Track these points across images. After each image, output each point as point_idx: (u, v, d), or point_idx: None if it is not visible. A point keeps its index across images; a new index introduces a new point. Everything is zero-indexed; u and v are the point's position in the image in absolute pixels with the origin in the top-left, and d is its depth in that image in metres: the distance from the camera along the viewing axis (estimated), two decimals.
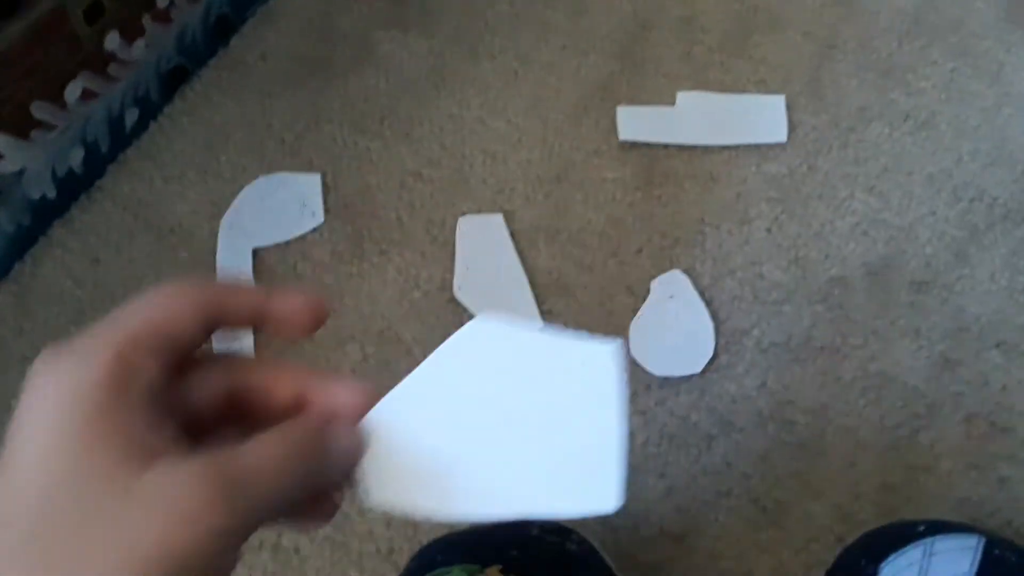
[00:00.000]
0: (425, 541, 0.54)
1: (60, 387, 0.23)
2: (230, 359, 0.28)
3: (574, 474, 0.27)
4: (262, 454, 0.24)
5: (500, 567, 0.42)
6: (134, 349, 0.24)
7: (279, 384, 0.27)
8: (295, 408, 0.27)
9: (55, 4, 0.66)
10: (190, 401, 0.27)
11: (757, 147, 0.74)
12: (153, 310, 0.26)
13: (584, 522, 0.57)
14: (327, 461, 0.26)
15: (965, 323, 0.65)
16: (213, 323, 0.27)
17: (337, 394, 0.27)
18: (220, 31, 0.83)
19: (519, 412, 0.28)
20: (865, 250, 0.69)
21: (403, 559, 0.57)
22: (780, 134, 0.74)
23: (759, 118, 0.76)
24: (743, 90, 0.78)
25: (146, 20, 0.74)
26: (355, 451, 0.27)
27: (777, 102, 0.76)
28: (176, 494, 0.22)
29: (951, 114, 0.75)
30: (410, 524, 0.59)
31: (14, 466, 0.23)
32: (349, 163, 0.76)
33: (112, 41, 0.72)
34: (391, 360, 0.65)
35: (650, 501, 0.59)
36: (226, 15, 0.83)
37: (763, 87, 0.78)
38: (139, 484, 0.22)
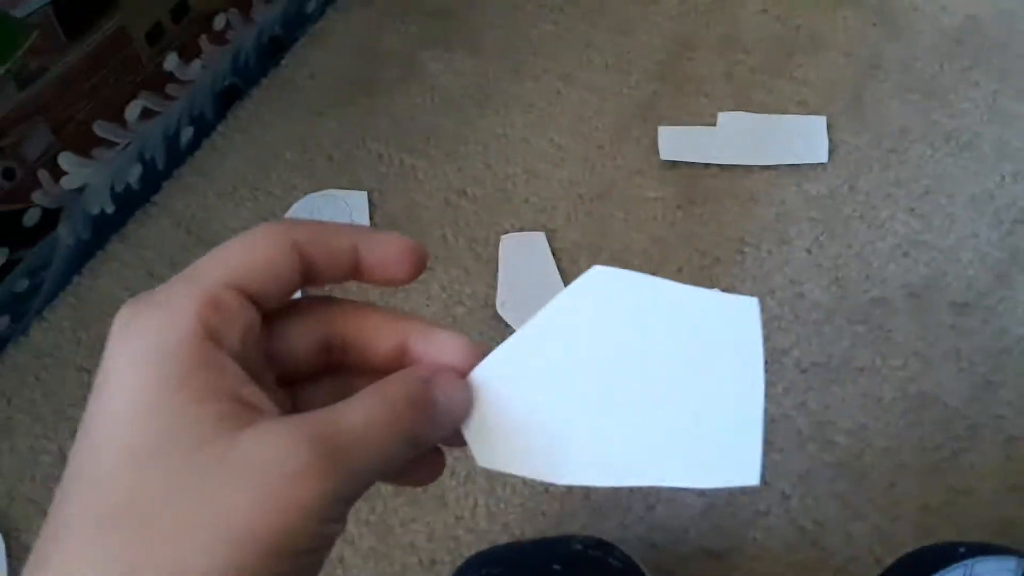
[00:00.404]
0: (467, 554, 0.55)
1: (147, 342, 0.22)
2: (326, 305, 0.26)
3: (710, 440, 0.25)
4: (366, 414, 0.22)
5: None
6: (226, 298, 0.23)
7: (380, 334, 0.25)
8: (396, 360, 0.25)
9: (117, 26, 0.68)
10: (284, 352, 0.25)
11: (798, 167, 0.75)
12: (244, 254, 0.24)
13: (622, 539, 0.58)
14: (433, 419, 0.24)
15: (1007, 345, 0.65)
16: (308, 266, 0.24)
17: (443, 346, 0.25)
18: (272, 51, 0.85)
19: (646, 368, 0.25)
20: (906, 271, 0.69)
21: (445, 571, 0.58)
22: (821, 155, 0.75)
23: (800, 138, 0.76)
24: (784, 110, 0.79)
25: (203, 41, 0.77)
26: (462, 407, 0.25)
27: (818, 123, 0.77)
28: (276, 460, 0.20)
29: (993, 135, 0.75)
30: (451, 537, 0.60)
31: (99, 428, 0.21)
32: (395, 181, 0.78)
33: (171, 62, 0.74)
34: None
35: (689, 519, 0.60)
36: (278, 36, 0.85)
37: (804, 107, 0.79)
38: (235, 450, 0.20)
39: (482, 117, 0.81)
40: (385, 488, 0.62)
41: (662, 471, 0.25)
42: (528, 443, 0.25)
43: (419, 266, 0.25)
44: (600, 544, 0.48)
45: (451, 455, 0.64)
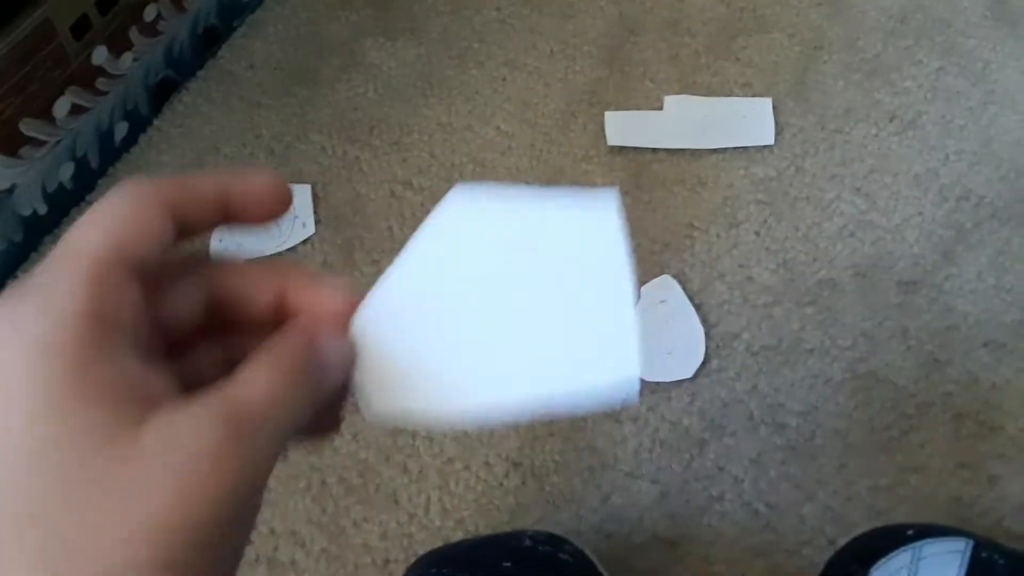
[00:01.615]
0: (421, 552, 0.54)
1: (30, 336, 0.20)
2: (203, 263, 0.25)
3: (590, 353, 0.24)
4: (265, 383, 0.21)
5: None
6: (107, 275, 0.21)
7: (258, 288, 0.25)
8: (276, 313, 0.25)
9: (41, 20, 0.66)
10: (166, 318, 0.23)
11: (745, 150, 0.75)
12: (117, 220, 0.22)
13: (577, 530, 0.58)
14: (324, 376, 0.23)
15: (954, 322, 0.66)
16: (181, 223, 0.23)
17: (322, 296, 0.24)
18: (208, 42, 0.83)
19: (520, 289, 0.24)
20: (852, 251, 0.69)
21: (399, 569, 0.58)
22: (767, 137, 0.75)
23: (746, 121, 0.76)
24: (730, 93, 0.78)
25: (133, 33, 0.74)
26: (348, 360, 0.24)
27: (764, 105, 0.77)
28: (185, 448, 0.19)
29: (937, 114, 0.76)
30: (404, 535, 0.59)
31: None
32: (339, 173, 0.76)
33: (100, 55, 0.72)
34: None
35: (643, 507, 0.59)
36: (214, 26, 0.83)
37: (750, 90, 0.78)
38: (138, 447, 0.19)
39: (426, 106, 0.80)
40: (336, 489, 0.61)
41: (548, 396, 0.24)
42: (414, 388, 0.24)
43: (286, 199, 0.25)
44: (551, 539, 0.48)
45: (402, 453, 0.63)
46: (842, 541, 0.55)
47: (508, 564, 0.44)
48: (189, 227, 0.23)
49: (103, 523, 0.19)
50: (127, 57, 0.74)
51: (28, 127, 0.68)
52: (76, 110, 0.71)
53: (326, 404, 0.24)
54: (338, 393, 0.24)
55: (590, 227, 0.24)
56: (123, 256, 0.21)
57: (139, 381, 0.20)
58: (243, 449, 0.20)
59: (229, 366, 0.22)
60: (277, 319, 0.24)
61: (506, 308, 0.24)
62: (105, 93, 0.74)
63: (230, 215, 0.24)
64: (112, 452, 0.19)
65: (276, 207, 0.25)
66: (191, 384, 0.22)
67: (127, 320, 0.21)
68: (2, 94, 0.65)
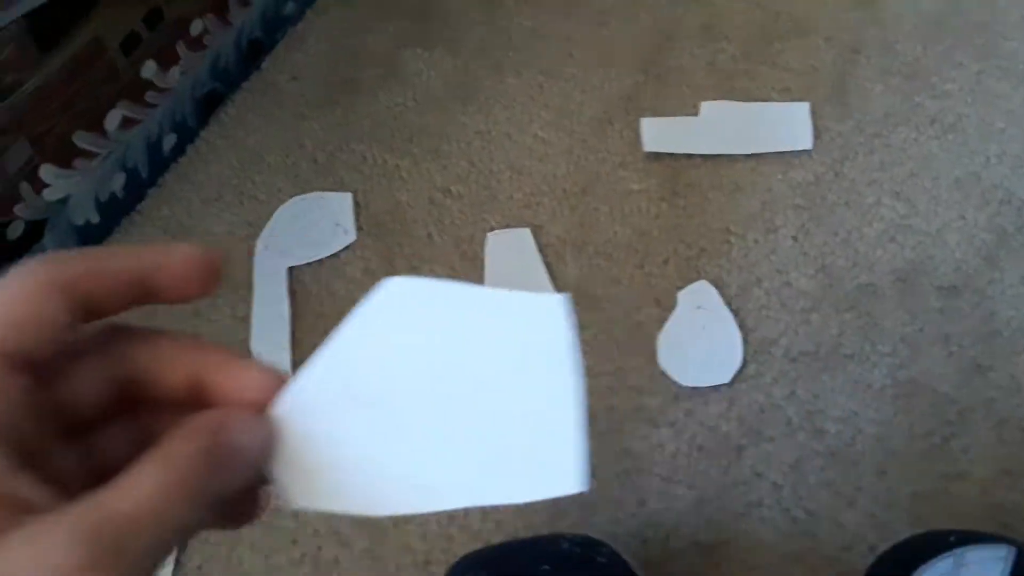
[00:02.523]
0: (460, 553, 0.55)
1: None
2: (112, 337, 0.23)
3: (528, 450, 0.24)
4: (146, 488, 0.20)
5: None
6: None
7: (171, 367, 0.23)
8: (190, 395, 0.23)
9: (92, 36, 0.68)
10: (69, 398, 0.22)
11: (782, 155, 0.75)
12: None
13: (613, 534, 0.58)
14: (231, 468, 0.21)
15: (996, 327, 0.65)
16: (86, 302, 0.22)
17: (240, 379, 0.23)
18: (252, 54, 0.85)
19: (454, 381, 0.24)
20: (893, 256, 0.69)
21: (439, 571, 0.58)
22: (805, 141, 0.75)
23: (784, 126, 0.76)
24: (767, 98, 0.78)
25: (180, 47, 0.77)
26: (264, 447, 0.23)
27: (802, 109, 0.76)
28: (44, 568, 0.18)
29: (978, 117, 0.75)
30: (445, 537, 0.60)
31: None
32: (379, 181, 0.77)
33: (148, 69, 0.74)
34: None
35: (680, 512, 0.60)
36: (258, 39, 0.85)
37: (787, 95, 0.78)
38: (3, 556, 0.18)
39: (464, 115, 0.81)
40: None
41: (483, 489, 0.24)
42: (339, 476, 0.23)
43: (212, 276, 0.23)
44: (588, 542, 0.48)
45: None
46: (882, 548, 0.55)
47: (546, 567, 0.45)
48: (98, 308, 0.22)
49: None
50: (175, 71, 0.77)
51: (81, 139, 0.70)
52: (127, 123, 0.74)
53: (236, 495, 0.22)
54: (252, 482, 0.23)
55: (535, 334, 0.24)
56: (1, 347, 0.20)
57: (7, 490, 0.19)
58: (108, 567, 0.18)
59: (144, 448, 0.21)
60: (192, 399, 0.23)
61: (440, 396, 0.24)
62: (154, 106, 0.76)
63: (149, 294, 0.23)
64: None
65: (199, 286, 0.23)
66: (107, 468, 0.22)
67: (1, 416, 0.20)
68: (56, 108, 0.67)
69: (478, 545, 0.58)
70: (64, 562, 0.18)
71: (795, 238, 0.70)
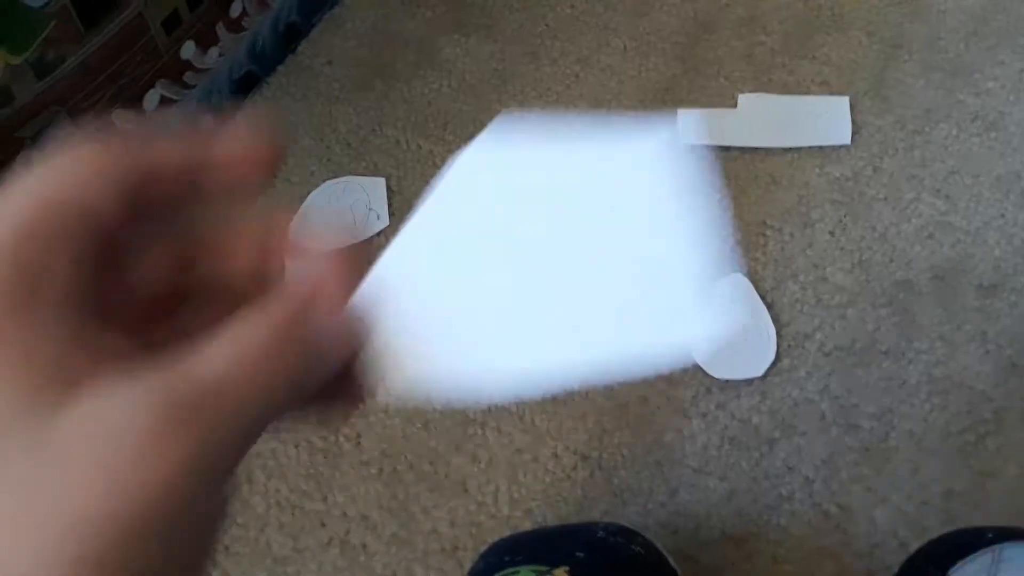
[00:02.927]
0: (490, 540, 0.55)
1: None
2: (174, 220, 0.21)
3: (650, 306, 0.20)
4: (228, 358, 0.18)
5: (567, 568, 0.43)
6: (30, 243, 0.18)
7: (239, 248, 0.21)
8: (257, 274, 0.21)
9: (135, 14, 0.68)
10: (131, 288, 0.20)
11: (820, 149, 0.74)
12: (50, 186, 0.19)
13: (644, 524, 0.58)
14: (316, 354, 0.19)
15: None
16: (138, 187, 0.20)
17: (319, 263, 0.20)
18: (289, 38, 0.85)
19: (576, 229, 0.20)
20: (931, 253, 0.68)
21: (467, 557, 0.59)
22: (844, 136, 0.74)
23: (822, 120, 0.75)
24: (806, 91, 0.78)
25: (220, 29, 0.77)
26: (353, 334, 0.20)
27: (841, 103, 0.76)
28: (114, 432, 0.16)
29: (1020, 115, 0.74)
30: (473, 523, 0.60)
31: None
32: (413, 167, 0.77)
33: (188, 50, 0.74)
34: None
35: (711, 504, 0.59)
36: (295, 22, 0.85)
37: (827, 88, 0.78)
38: (59, 428, 0.17)
39: (500, 102, 0.80)
40: (407, 475, 0.62)
41: (602, 359, 0.20)
42: (446, 360, 0.21)
43: (277, 155, 0.20)
44: (623, 531, 0.48)
45: (472, 442, 0.64)
46: (915, 545, 0.54)
47: (581, 554, 0.45)
48: (152, 189, 0.20)
49: (9, 527, 0.16)
50: (213, 52, 0.77)
51: (119, 118, 0.71)
52: (165, 102, 0.74)
53: (329, 380, 0.20)
54: (349, 367, 0.21)
55: (650, 160, 0.20)
56: (54, 222, 0.18)
57: (67, 356, 0.17)
58: (183, 437, 0.17)
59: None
60: (260, 284, 0.21)
61: (557, 259, 0.20)
62: (192, 86, 0.76)
63: (207, 180, 0.21)
64: (22, 437, 0.16)
65: (267, 166, 0.20)
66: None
67: (57, 292, 0.18)
68: (97, 86, 0.68)
69: (506, 532, 0.58)
70: (131, 431, 0.16)
71: (832, 233, 0.70)
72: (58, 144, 0.19)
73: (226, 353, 0.18)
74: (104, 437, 0.16)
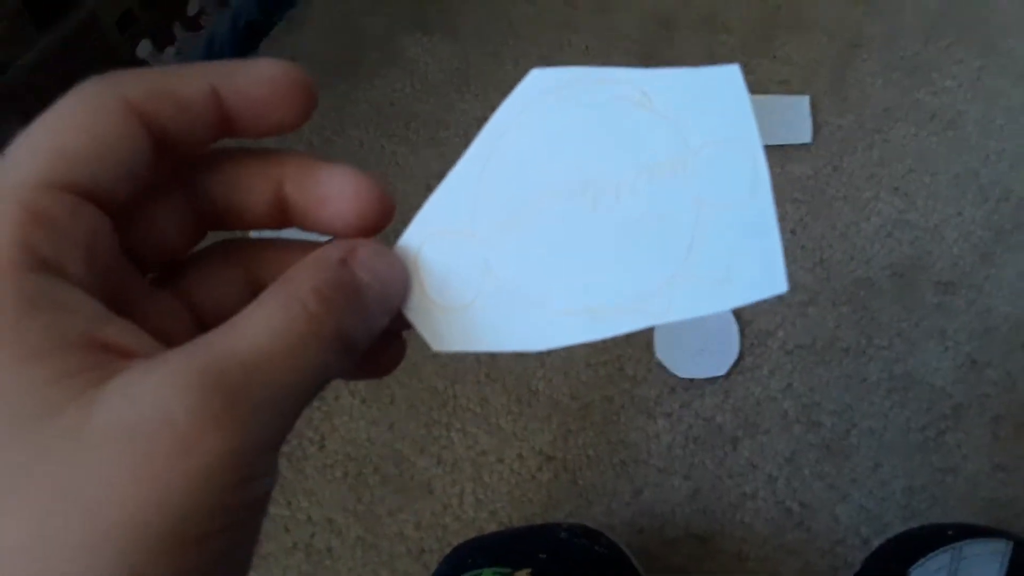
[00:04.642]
0: (455, 542, 0.55)
1: None
2: (199, 164, 0.19)
3: (718, 252, 0.20)
4: (271, 328, 0.16)
5: (530, 570, 0.43)
6: (51, 205, 0.16)
7: (253, 191, 0.19)
8: (275, 219, 0.20)
9: (87, 14, 0.67)
10: (153, 240, 0.19)
11: (781, 148, 0.74)
12: (66, 134, 0.17)
13: (609, 524, 0.58)
14: (364, 310, 0.18)
15: (993, 324, 0.65)
16: (157, 132, 0.18)
17: (350, 209, 0.19)
18: (249, 37, 0.84)
19: (619, 184, 0.20)
20: (890, 251, 0.69)
21: (433, 560, 0.58)
22: (805, 135, 0.74)
23: (783, 119, 0.76)
24: (767, 90, 0.78)
25: (176, 28, 0.76)
26: (398, 285, 0.19)
27: (801, 103, 0.76)
28: (154, 419, 0.15)
29: (977, 113, 0.75)
30: (439, 526, 0.60)
31: None
32: (376, 167, 0.77)
33: (144, 49, 0.73)
34: (419, 361, 0.66)
35: (675, 503, 0.59)
36: (255, 21, 0.84)
37: (787, 87, 0.78)
38: (94, 416, 0.15)
39: (462, 101, 0.80)
40: (371, 477, 0.62)
41: (663, 303, 0.19)
42: (491, 309, 0.20)
43: (306, 98, 0.19)
44: (586, 532, 0.48)
45: (437, 444, 0.64)
46: (876, 541, 0.55)
47: (543, 556, 0.45)
48: (170, 139, 0.18)
49: (44, 526, 0.14)
50: (170, 51, 0.76)
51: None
52: None
53: (369, 342, 0.19)
54: (391, 324, 0.19)
55: (708, 115, 0.20)
56: (71, 179, 0.17)
57: (99, 335, 0.16)
58: (229, 420, 0.15)
59: (253, 296, 0.18)
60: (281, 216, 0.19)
61: (602, 201, 0.20)
62: None
63: (228, 121, 0.19)
64: (54, 427, 0.15)
65: (291, 109, 0.18)
66: (208, 314, 0.19)
67: (79, 261, 0.16)
68: (49, 86, 0.66)
69: (472, 534, 0.58)
70: (174, 417, 0.15)
71: (793, 231, 0.70)
72: (67, 97, 0.18)
73: (269, 321, 0.16)
74: (145, 425, 0.15)
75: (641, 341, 0.65)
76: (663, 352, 0.64)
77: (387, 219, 0.20)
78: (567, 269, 0.20)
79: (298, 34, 0.86)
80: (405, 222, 0.74)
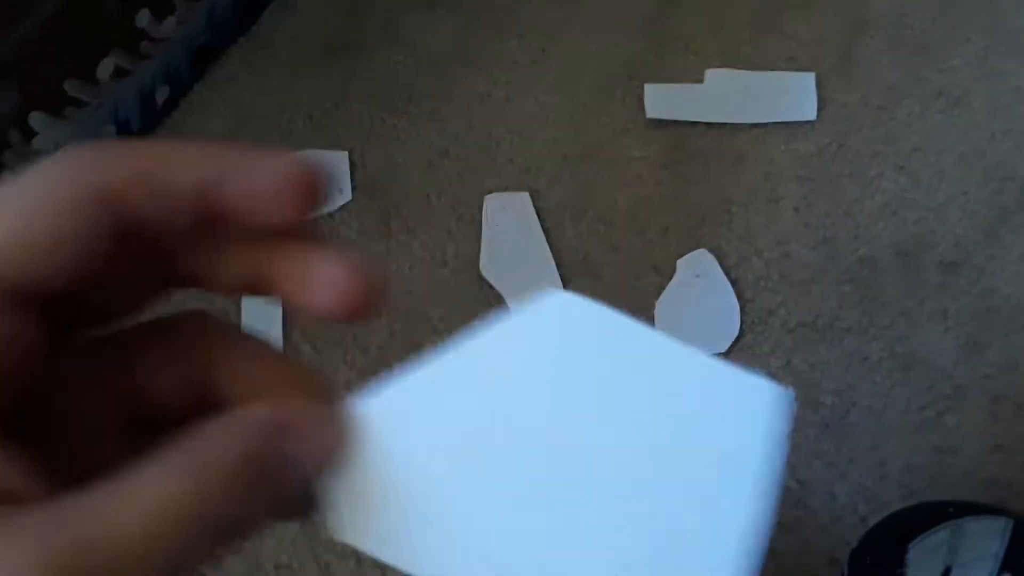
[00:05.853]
0: None
1: None
2: (168, 270, 0.17)
3: (671, 540, 0.18)
4: (144, 508, 0.14)
5: None
6: None
7: (241, 269, 0.17)
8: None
9: None
10: (108, 302, 0.17)
11: (786, 125, 0.74)
12: (12, 220, 0.15)
13: None
14: (282, 482, 0.16)
15: (994, 304, 0.65)
16: (136, 215, 0.16)
17: (336, 299, 0.17)
18: (249, 8, 0.83)
19: (601, 435, 0.18)
20: (894, 230, 0.68)
21: None
22: (810, 112, 0.74)
23: (789, 96, 0.75)
24: (773, 67, 0.77)
25: None
26: (330, 456, 0.17)
27: (807, 80, 0.75)
28: None
29: (983, 93, 0.74)
30: None
31: None
32: (376, 141, 0.76)
33: (143, 18, 0.72)
34: (417, 338, 0.66)
35: None
36: None
37: (793, 64, 0.77)
38: None
39: (465, 76, 0.79)
40: None
41: (599, 568, 0.18)
42: (412, 520, 0.18)
43: (312, 198, 0.16)
44: None
45: None
46: (874, 519, 0.55)
47: None
48: (143, 229, 0.16)
49: None
50: (170, 21, 0.75)
51: (72, 88, 0.69)
52: (119, 72, 0.72)
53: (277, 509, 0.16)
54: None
55: (729, 421, 0.18)
56: (4, 276, 0.15)
57: None
58: None
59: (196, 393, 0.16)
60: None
61: (578, 448, 0.18)
62: (148, 57, 0.74)
63: (214, 213, 0.16)
64: None
65: (289, 207, 0.16)
66: (146, 401, 0.17)
67: None
68: (48, 55, 0.66)
69: None
70: None
71: (796, 209, 0.70)
72: (31, 173, 0.15)
73: (150, 494, 0.14)
74: None
75: (642, 318, 0.64)
76: (663, 329, 0.64)
77: (374, 310, 0.17)
78: (519, 508, 0.18)
79: (300, 7, 0.85)
80: (405, 196, 0.73)
